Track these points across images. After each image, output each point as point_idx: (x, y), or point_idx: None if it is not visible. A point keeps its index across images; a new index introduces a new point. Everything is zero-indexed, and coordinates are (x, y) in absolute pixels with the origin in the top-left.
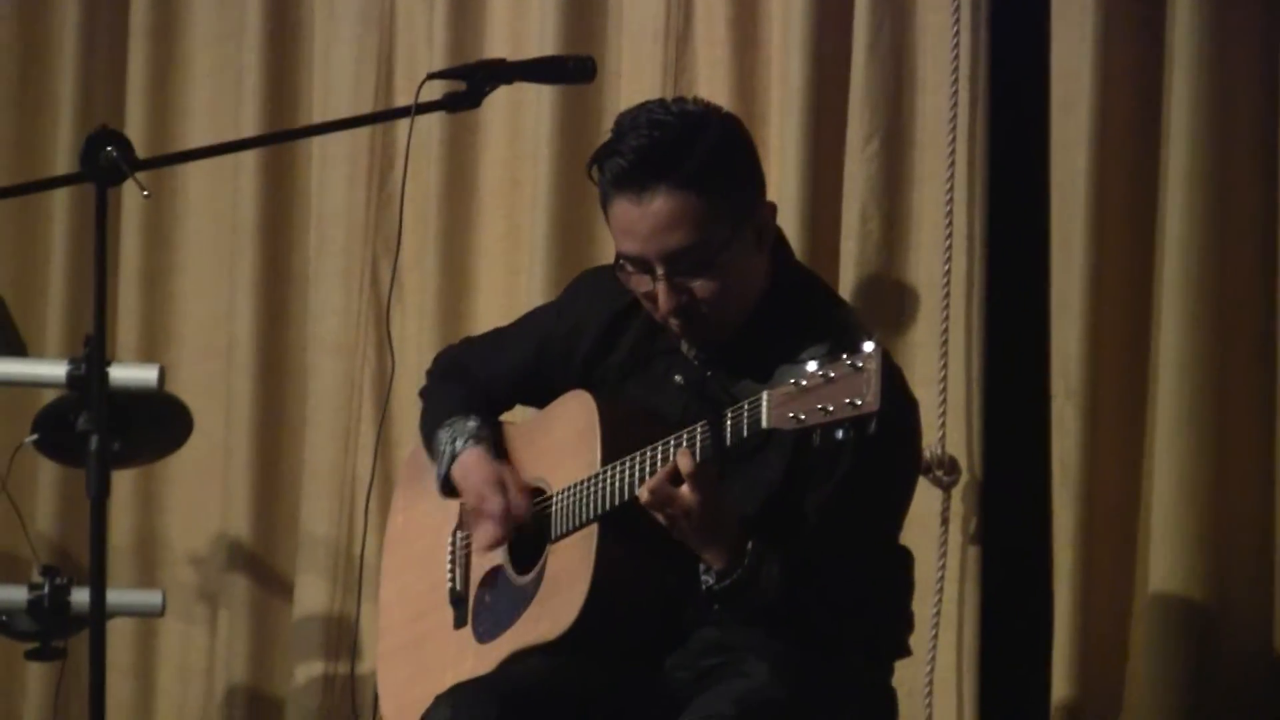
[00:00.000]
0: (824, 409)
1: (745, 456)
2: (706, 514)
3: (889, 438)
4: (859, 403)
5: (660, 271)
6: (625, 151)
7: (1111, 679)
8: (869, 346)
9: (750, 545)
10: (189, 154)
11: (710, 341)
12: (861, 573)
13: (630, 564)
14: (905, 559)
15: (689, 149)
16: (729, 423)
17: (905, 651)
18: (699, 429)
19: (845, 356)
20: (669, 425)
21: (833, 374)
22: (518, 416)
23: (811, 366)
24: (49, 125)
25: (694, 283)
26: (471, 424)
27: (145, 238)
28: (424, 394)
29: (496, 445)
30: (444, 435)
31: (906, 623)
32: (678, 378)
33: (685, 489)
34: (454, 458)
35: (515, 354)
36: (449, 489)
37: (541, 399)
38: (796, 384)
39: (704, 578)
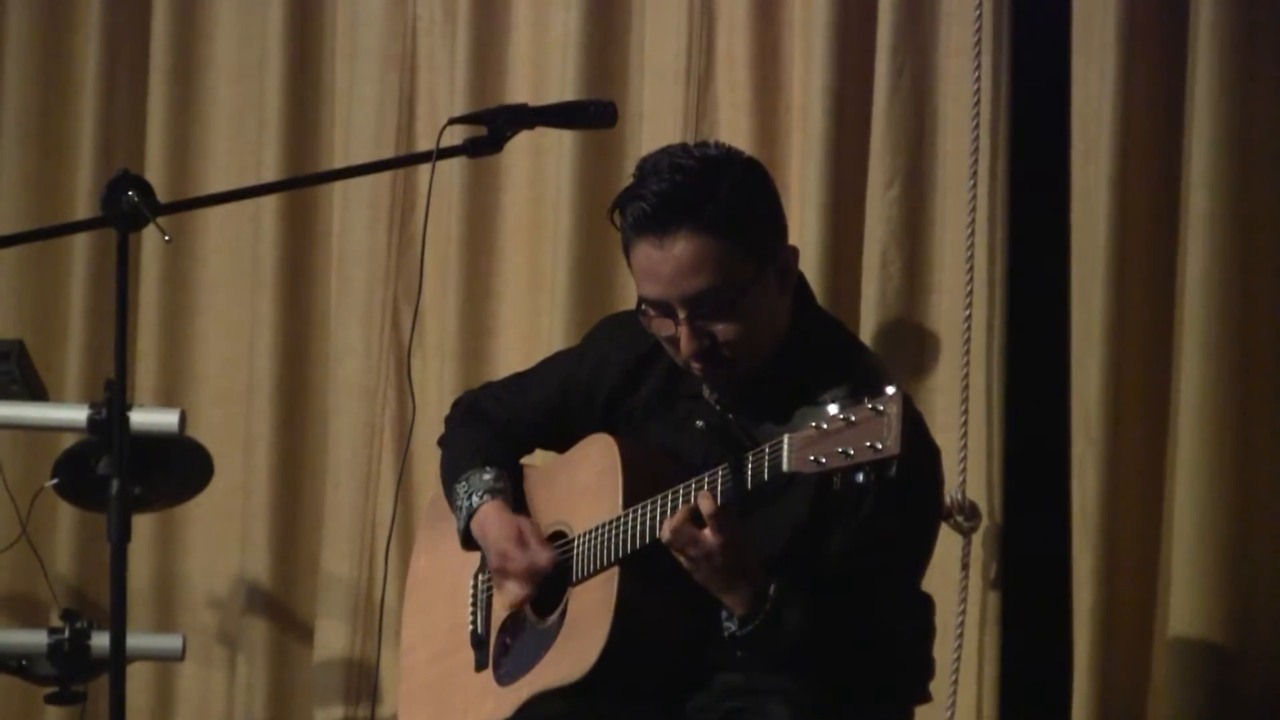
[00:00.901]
0: (845, 452)
1: (769, 499)
2: (728, 557)
3: (911, 485)
4: (880, 446)
5: (682, 315)
6: (647, 195)
7: None
8: (890, 390)
9: (772, 589)
10: (210, 199)
11: (733, 385)
12: (884, 617)
13: (651, 607)
14: (926, 604)
15: (711, 192)
16: (750, 466)
17: (926, 697)
18: (720, 472)
19: (866, 400)
20: (690, 469)
21: (854, 417)
22: (537, 460)
23: (832, 410)
24: (69, 165)
25: (716, 326)
26: (487, 477)
27: (165, 280)
28: (442, 443)
29: (515, 493)
30: (460, 489)
31: (927, 668)
32: (699, 422)
33: (707, 531)
34: (471, 513)
35: (536, 397)
36: (470, 542)
37: (561, 442)
38: (817, 427)
39: (726, 624)
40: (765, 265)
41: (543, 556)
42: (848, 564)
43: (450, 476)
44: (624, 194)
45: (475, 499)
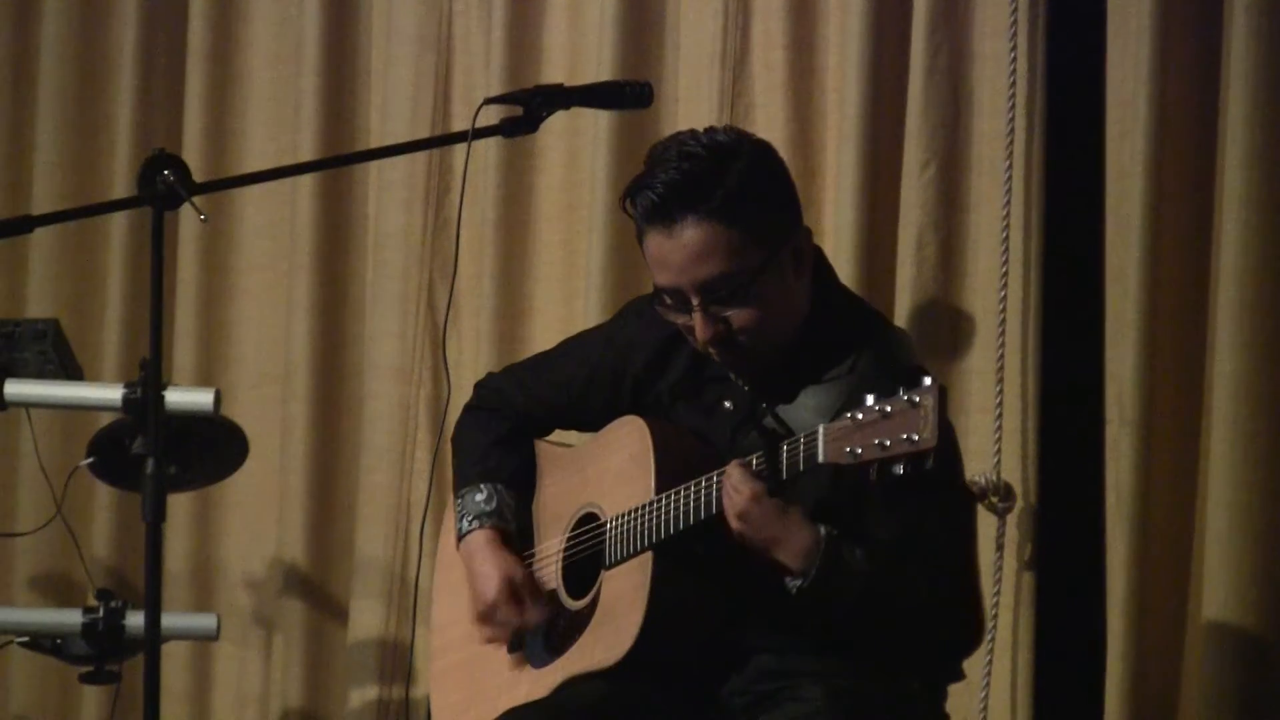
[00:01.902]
0: (880, 444)
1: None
2: (775, 507)
3: (939, 460)
4: (916, 438)
5: (696, 302)
6: (655, 185)
7: (1165, 706)
8: (927, 381)
9: (823, 530)
10: (246, 178)
11: (752, 368)
12: (939, 562)
13: (685, 591)
14: (973, 558)
15: (719, 179)
16: (785, 456)
17: (959, 675)
18: (753, 460)
19: (902, 391)
20: (720, 451)
21: (889, 409)
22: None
23: (869, 400)
24: (107, 146)
25: (730, 312)
26: (479, 498)
27: (202, 261)
28: (453, 441)
29: (518, 508)
30: (458, 505)
31: (981, 617)
32: (727, 404)
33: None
34: (461, 537)
35: (560, 378)
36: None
37: (584, 423)
38: (853, 418)
39: (789, 584)
40: (778, 248)
41: (535, 615)
42: (890, 531)
43: (455, 479)
44: (634, 183)
45: (465, 524)
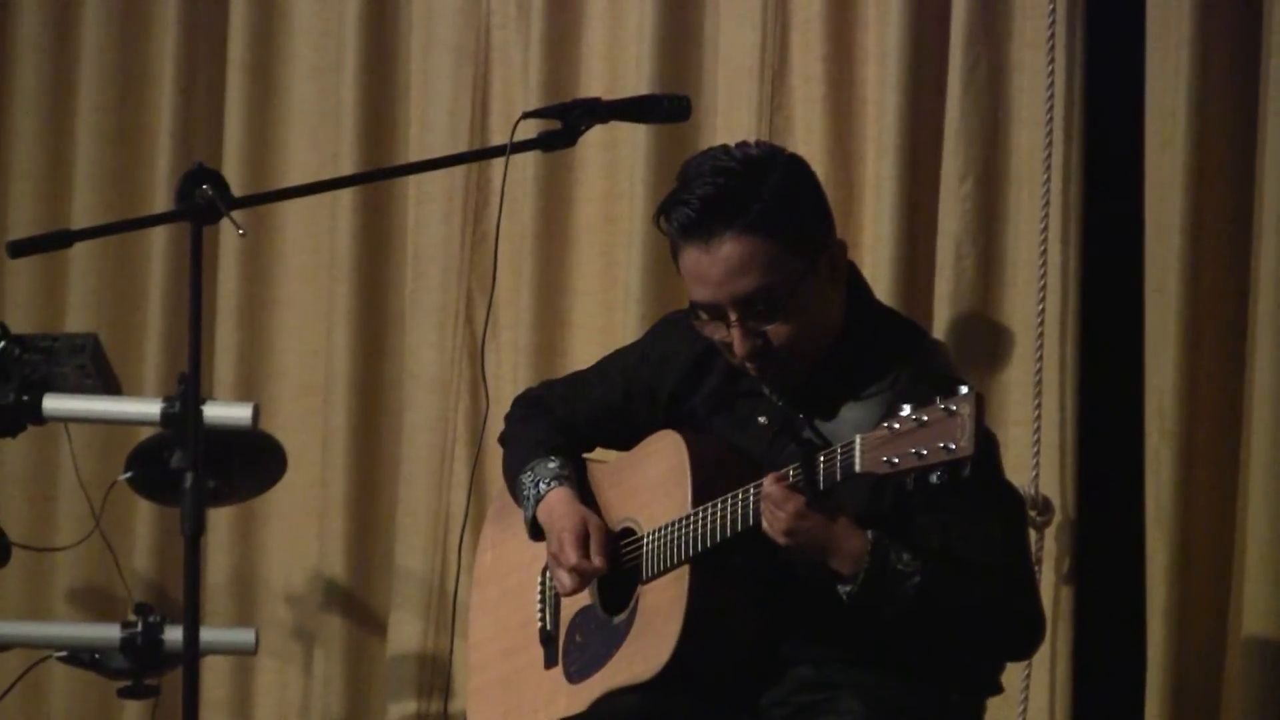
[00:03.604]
0: (918, 453)
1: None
2: (821, 517)
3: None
4: (953, 447)
5: (734, 317)
6: (691, 200)
7: (1205, 719)
8: (963, 390)
9: (870, 534)
10: (285, 192)
11: (788, 382)
12: (994, 567)
13: (722, 604)
14: (1028, 554)
15: (754, 193)
16: (822, 466)
17: (998, 688)
18: (790, 472)
19: (939, 400)
20: (757, 465)
21: (926, 418)
22: (603, 457)
23: (905, 410)
24: (147, 157)
25: (768, 326)
26: (553, 465)
27: (242, 273)
28: (504, 439)
29: (580, 484)
30: (526, 479)
31: (1041, 615)
32: (762, 419)
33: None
34: (539, 500)
35: (597, 395)
36: (537, 532)
37: (623, 441)
38: (889, 428)
39: (840, 589)
40: (813, 261)
41: (594, 563)
42: (938, 537)
43: (514, 469)
44: (668, 199)
45: (543, 486)
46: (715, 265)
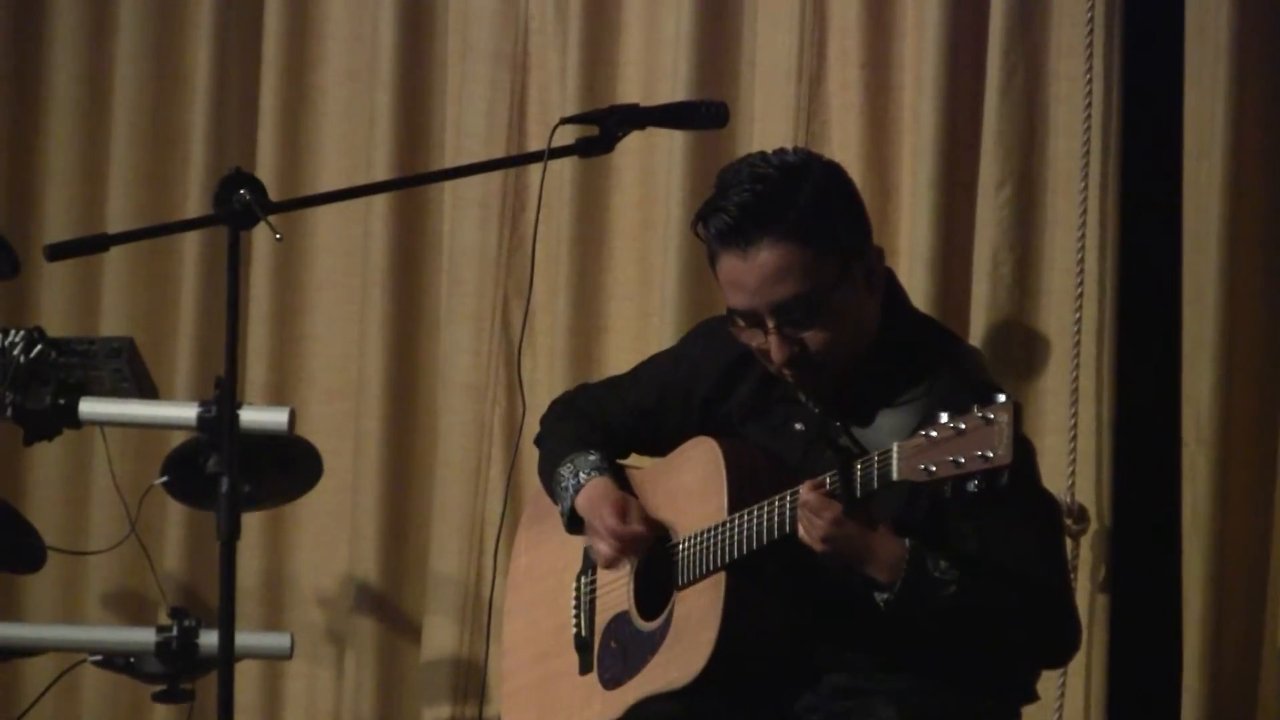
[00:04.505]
0: (955, 461)
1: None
2: (858, 525)
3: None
4: (991, 455)
5: (771, 324)
6: (729, 207)
7: None
8: (1001, 398)
9: (908, 542)
10: (321, 197)
11: (824, 389)
12: (1026, 571)
13: (758, 611)
14: (1064, 563)
15: (791, 199)
16: (859, 473)
17: (1033, 696)
18: (827, 480)
19: (976, 408)
20: (792, 471)
21: (964, 426)
22: (637, 463)
23: (943, 418)
24: (181, 161)
25: (805, 333)
26: (593, 458)
27: (276, 278)
28: (539, 440)
29: (620, 480)
30: (565, 471)
31: (1077, 621)
32: (798, 425)
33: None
34: (578, 489)
35: (632, 400)
36: (575, 524)
37: (657, 447)
38: (927, 435)
39: (877, 597)
40: (850, 267)
41: (634, 528)
42: (975, 544)
43: (552, 464)
44: (705, 206)
45: (583, 476)
46: (752, 272)
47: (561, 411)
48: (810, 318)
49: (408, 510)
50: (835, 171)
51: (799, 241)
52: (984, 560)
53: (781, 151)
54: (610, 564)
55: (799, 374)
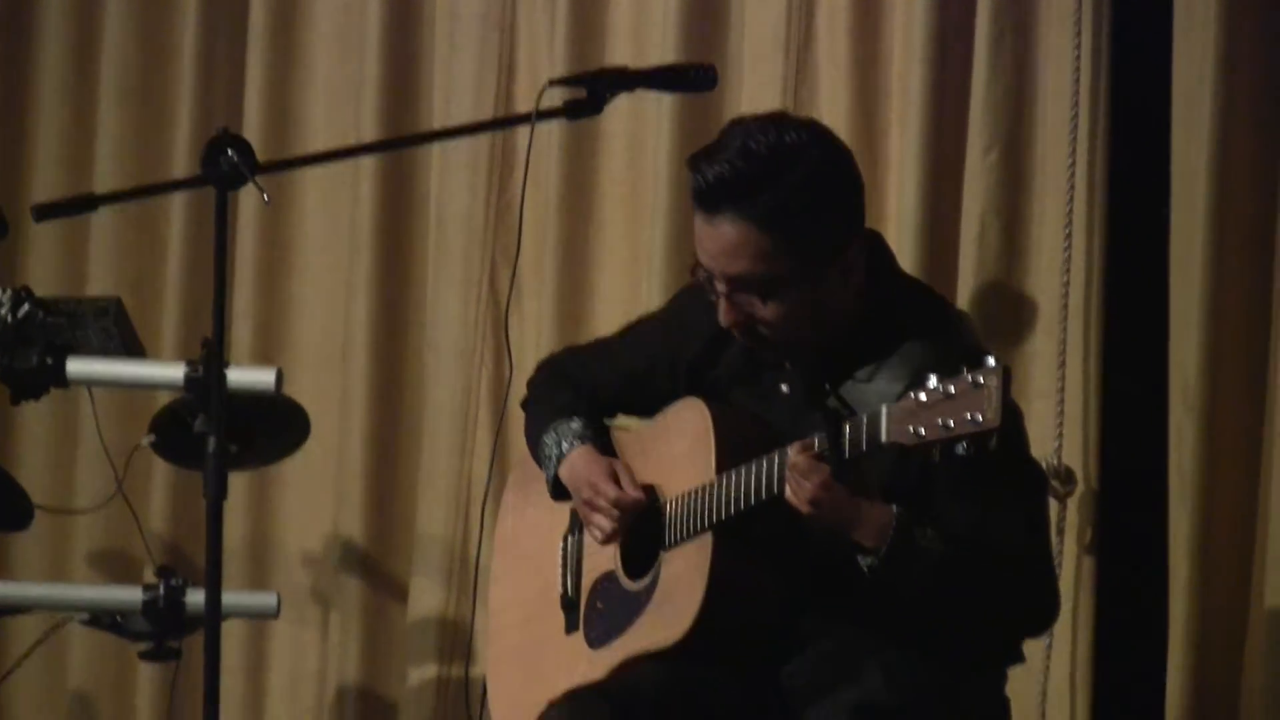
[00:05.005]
0: (944, 424)
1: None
2: (846, 488)
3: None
4: (980, 419)
5: (722, 289)
6: (707, 172)
7: (1228, 692)
8: (990, 362)
9: (895, 508)
10: (309, 158)
11: (776, 356)
12: (1010, 538)
13: (745, 573)
14: (1046, 528)
15: (769, 185)
16: (847, 435)
17: (1020, 657)
18: (816, 441)
19: (966, 372)
20: (781, 435)
21: (953, 389)
22: (626, 424)
23: (931, 381)
24: (167, 125)
25: (755, 305)
26: (576, 425)
27: (262, 240)
28: (526, 404)
29: (603, 446)
30: (549, 439)
31: (1056, 587)
32: (784, 387)
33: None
34: (561, 459)
35: (621, 361)
36: (560, 492)
37: (645, 407)
38: (916, 398)
39: (862, 562)
40: (820, 265)
41: (634, 494)
42: (961, 511)
43: (537, 431)
44: (699, 154)
45: (565, 445)
46: (712, 239)
47: (547, 376)
48: (763, 297)
49: (394, 472)
50: (833, 166)
51: (760, 226)
52: (968, 530)
53: (785, 125)
54: (609, 539)
55: (745, 337)
